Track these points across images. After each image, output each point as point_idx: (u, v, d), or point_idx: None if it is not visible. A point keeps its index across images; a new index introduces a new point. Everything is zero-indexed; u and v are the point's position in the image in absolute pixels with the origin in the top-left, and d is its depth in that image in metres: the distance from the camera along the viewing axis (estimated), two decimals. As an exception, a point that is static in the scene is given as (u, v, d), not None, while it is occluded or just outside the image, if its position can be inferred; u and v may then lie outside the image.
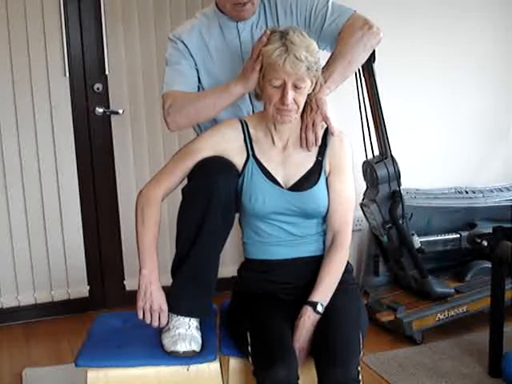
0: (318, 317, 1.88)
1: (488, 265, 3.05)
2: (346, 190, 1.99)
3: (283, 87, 1.83)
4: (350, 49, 1.96)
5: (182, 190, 1.96)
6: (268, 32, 1.86)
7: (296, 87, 1.84)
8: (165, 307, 1.92)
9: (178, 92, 2.03)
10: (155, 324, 1.92)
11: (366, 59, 2.07)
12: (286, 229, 1.97)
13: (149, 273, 1.91)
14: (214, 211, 1.89)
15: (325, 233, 2.01)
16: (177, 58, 2.06)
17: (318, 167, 1.97)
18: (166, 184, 1.96)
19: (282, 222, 1.96)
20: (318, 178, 1.96)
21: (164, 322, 1.93)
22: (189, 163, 1.95)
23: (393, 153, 2.98)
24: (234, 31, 2.08)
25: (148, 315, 1.91)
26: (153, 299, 1.90)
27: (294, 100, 1.85)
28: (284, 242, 1.98)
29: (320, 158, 1.98)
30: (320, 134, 1.97)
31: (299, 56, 1.80)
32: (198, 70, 2.09)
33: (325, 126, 1.98)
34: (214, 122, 2.08)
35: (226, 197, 1.91)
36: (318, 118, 1.95)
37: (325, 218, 1.99)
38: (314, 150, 1.98)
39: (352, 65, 1.99)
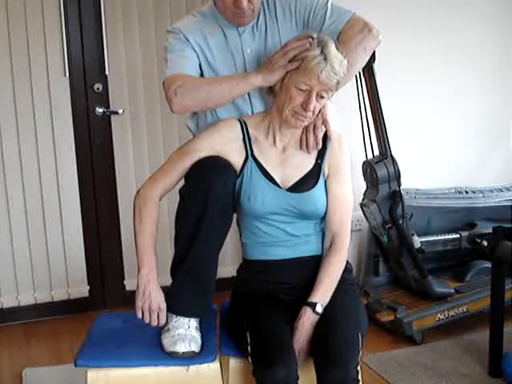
0: (317, 317, 1.88)
1: (488, 265, 3.05)
2: (345, 192, 2.00)
3: (308, 93, 1.84)
4: (350, 52, 1.96)
5: (180, 190, 1.96)
6: (311, 39, 1.85)
7: (321, 96, 1.85)
8: (163, 306, 1.92)
9: (187, 75, 2.00)
10: (154, 323, 1.92)
11: (366, 62, 2.07)
12: (284, 228, 1.97)
13: (147, 272, 1.91)
14: (212, 211, 1.89)
15: (323, 232, 2.01)
16: (180, 46, 2.04)
17: (316, 170, 1.98)
18: (164, 184, 1.96)
19: (279, 221, 1.97)
20: (317, 181, 1.97)
21: (163, 321, 1.93)
22: (187, 163, 1.94)
23: (393, 153, 2.98)
24: (235, 32, 2.07)
25: (147, 315, 1.91)
26: (151, 299, 1.90)
27: (314, 107, 1.86)
28: (282, 242, 1.98)
29: (319, 161, 1.99)
30: (320, 136, 1.98)
31: (336, 69, 1.82)
32: (200, 63, 2.08)
33: (324, 129, 1.98)
34: (216, 118, 2.08)
35: (223, 197, 1.91)
36: (319, 121, 1.96)
37: (322, 219, 2.00)
38: (314, 153, 1.99)
39: (352, 68, 1.98)
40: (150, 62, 3.23)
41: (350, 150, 2.05)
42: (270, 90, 1.95)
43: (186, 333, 1.93)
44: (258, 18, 2.07)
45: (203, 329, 2.00)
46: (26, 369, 2.78)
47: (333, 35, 2.00)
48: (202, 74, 2.07)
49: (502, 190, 3.50)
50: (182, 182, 1.98)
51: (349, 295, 1.99)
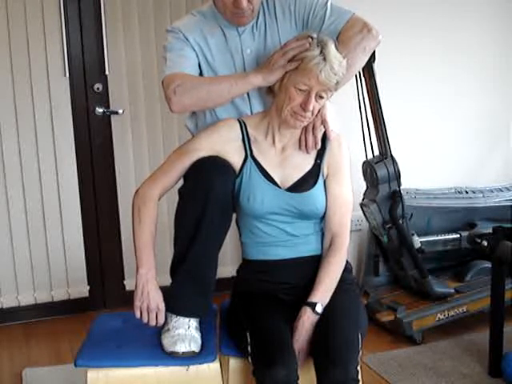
0: (317, 317, 1.88)
1: (488, 265, 3.05)
2: (344, 192, 2.00)
3: (307, 93, 1.84)
4: (349, 52, 1.96)
5: (179, 190, 1.96)
6: (310, 39, 1.85)
7: (320, 97, 1.85)
8: (162, 306, 1.92)
9: (186, 74, 2.00)
10: (152, 323, 1.92)
11: (365, 62, 2.07)
12: (283, 228, 1.97)
13: (146, 272, 1.91)
14: (212, 211, 1.89)
15: (322, 232, 2.01)
16: (180, 46, 2.04)
17: (316, 170, 1.98)
18: (163, 183, 1.96)
19: (279, 221, 1.97)
20: (316, 181, 1.97)
21: (161, 321, 1.93)
22: (186, 163, 1.94)
23: (393, 153, 2.98)
24: (235, 32, 2.07)
25: (145, 314, 1.91)
26: (150, 299, 1.90)
27: (313, 108, 1.86)
28: (281, 242, 1.98)
29: (318, 161, 1.99)
30: (319, 137, 1.98)
31: (335, 69, 1.82)
32: (199, 63, 2.08)
33: (323, 129, 1.98)
34: (215, 118, 2.08)
35: (223, 196, 1.91)
36: (318, 121, 1.96)
37: (322, 219, 2.00)
38: (313, 153, 1.99)
39: (352, 68, 1.98)
40: (150, 62, 3.23)
41: (350, 150, 2.05)
42: (270, 90, 1.95)
43: (185, 333, 1.93)
44: (258, 17, 2.07)
45: (203, 329, 2.00)
46: (25, 369, 2.78)
47: (332, 35, 2.00)
48: (201, 74, 2.07)
49: (502, 190, 3.50)
50: (182, 182, 1.98)
51: (349, 295, 1.99)
